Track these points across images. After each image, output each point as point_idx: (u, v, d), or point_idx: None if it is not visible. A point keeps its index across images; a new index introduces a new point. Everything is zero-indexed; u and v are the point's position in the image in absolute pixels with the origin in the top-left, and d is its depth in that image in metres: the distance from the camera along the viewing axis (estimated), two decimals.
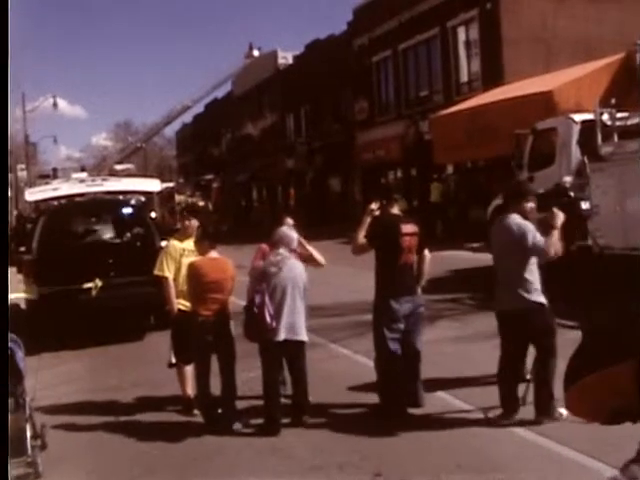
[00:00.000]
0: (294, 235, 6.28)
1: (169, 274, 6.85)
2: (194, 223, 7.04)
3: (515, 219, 5.75)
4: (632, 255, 9.70)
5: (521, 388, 5.90)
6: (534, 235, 5.62)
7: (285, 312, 5.99)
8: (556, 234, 5.67)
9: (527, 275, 5.71)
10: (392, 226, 6.23)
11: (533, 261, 5.75)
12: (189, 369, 6.76)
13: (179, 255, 6.93)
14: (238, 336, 6.36)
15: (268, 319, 5.90)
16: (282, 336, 5.97)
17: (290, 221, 6.81)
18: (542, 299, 5.74)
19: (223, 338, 6.25)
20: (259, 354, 6.13)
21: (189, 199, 40.27)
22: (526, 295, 5.68)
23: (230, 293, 6.44)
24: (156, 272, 6.96)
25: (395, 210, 6.41)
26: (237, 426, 6.09)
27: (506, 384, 5.84)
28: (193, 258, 6.63)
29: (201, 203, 37.19)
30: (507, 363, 5.86)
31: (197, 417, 6.47)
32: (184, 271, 6.69)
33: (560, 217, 5.76)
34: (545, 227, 5.78)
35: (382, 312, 6.20)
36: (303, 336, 6.12)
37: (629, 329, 1.93)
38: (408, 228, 6.25)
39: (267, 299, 5.94)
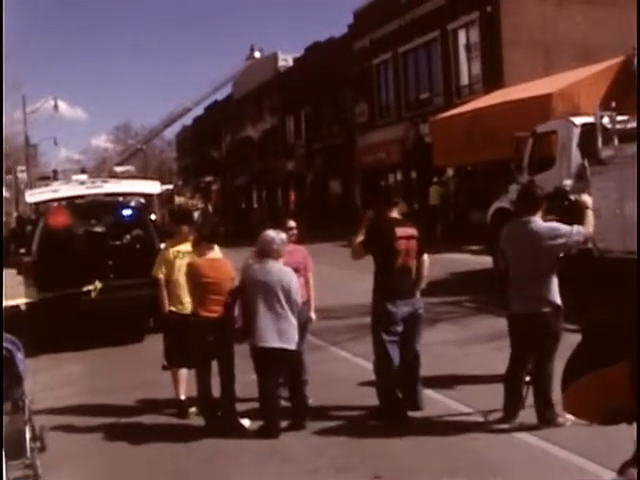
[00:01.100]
0: (276, 239, 6.08)
1: (161, 275, 7.05)
2: (184, 228, 7.22)
3: (538, 222, 5.74)
4: (631, 259, 9.69)
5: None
6: (570, 229, 5.69)
7: (259, 317, 5.88)
8: (590, 214, 5.86)
9: (553, 278, 5.71)
10: (387, 230, 6.21)
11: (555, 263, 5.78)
12: (184, 372, 6.79)
13: (173, 257, 7.08)
14: None
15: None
16: (260, 342, 5.87)
17: (292, 223, 6.81)
18: (560, 301, 5.74)
19: (222, 340, 6.24)
20: (250, 357, 6.12)
21: (190, 201, 40.25)
22: (550, 298, 5.66)
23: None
24: (152, 273, 7.19)
25: (394, 213, 6.39)
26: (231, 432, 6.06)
27: (512, 386, 5.81)
28: (188, 260, 6.69)
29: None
30: (516, 366, 5.82)
31: (191, 420, 6.47)
32: (178, 273, 6.81)
33: (589, 200, 6.01)
34: None
35: (380, 315, 6.18)
36: (286, 343, 5.90)
37: (625, 331, 1.93)
38: (404, 231, 6.21)
39: (237, 300, 6.00)
